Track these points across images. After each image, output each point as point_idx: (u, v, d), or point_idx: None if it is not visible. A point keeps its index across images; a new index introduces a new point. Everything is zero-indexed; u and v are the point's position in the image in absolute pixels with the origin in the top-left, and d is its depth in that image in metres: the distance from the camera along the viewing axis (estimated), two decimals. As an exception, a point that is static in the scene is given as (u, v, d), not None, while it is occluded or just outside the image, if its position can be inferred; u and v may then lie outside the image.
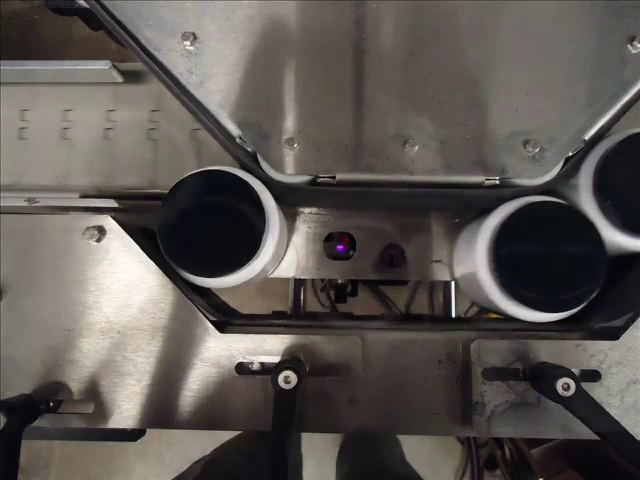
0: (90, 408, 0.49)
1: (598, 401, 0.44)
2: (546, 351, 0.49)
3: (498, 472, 1.37)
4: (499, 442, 1.28)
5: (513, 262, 0.47)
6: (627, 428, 0.43)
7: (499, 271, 0.47)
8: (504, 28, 0.50)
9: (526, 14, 0.49)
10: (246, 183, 0.50)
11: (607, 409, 0.44)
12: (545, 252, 0.47)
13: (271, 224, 0.51)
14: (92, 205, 0.55)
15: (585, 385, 0.46)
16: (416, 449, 1.42)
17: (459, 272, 0.58)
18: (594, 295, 0.47)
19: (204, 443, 0.70)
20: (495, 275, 0.48)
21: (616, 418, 0.43)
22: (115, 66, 0.56)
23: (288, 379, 0.44)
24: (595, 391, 0.48)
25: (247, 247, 0.49)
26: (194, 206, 0.49)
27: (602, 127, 0.50)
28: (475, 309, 1.42)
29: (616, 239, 0.49)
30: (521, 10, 0.49)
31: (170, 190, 0.49)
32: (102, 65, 0.55)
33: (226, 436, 0.82)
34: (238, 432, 0.85)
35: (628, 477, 0.43)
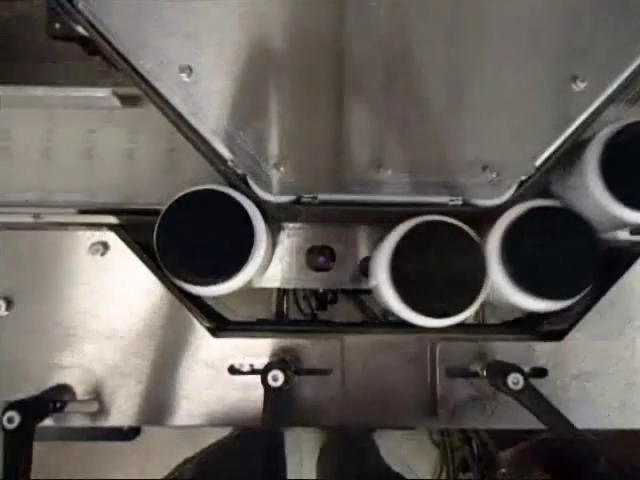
0: (93, 408, 0.54)
1: (546, 394, 0.50)
2: (501, 351, 0.55)
3: (471, 474, 1.43)
4: (470, 443, 1.35)
5: (523, 257, 0.53)
6: (569, 418, 0.49)
7: (509, 265, 0.53)
8: (469, 66, 0.54)
9: (487, 53, 0.54)
10: (237, 201, 0.55)
11: (553, 401, 0.50)
12: (546, 251, 0.53)
13: (258, 239, 0.56)
14: (94, 222, 0.59)
15: (534, 381, 0.51)
16: (393, 452, 1.45)
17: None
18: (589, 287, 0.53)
19: (203, 443, 0.74)
20: (506, 269, 0.53)
21: (560, 409, 0.50)
22: (115, 93, 0.60)
23: (276, 378, 0.49)
24: (543, 386, 0.54)
25: (236, 259, 0.54)
26: (189, 222, 0.54)
27: (551, 155, 0.56)
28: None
29: (621, 214, 0.53)
30: (482, 48, 0.54)
31: (167, 207, 0.54)
32: (103, 93, 0.60)
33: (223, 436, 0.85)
34: (229, 431, 0.89)
35: (598, 478, 0.46)
